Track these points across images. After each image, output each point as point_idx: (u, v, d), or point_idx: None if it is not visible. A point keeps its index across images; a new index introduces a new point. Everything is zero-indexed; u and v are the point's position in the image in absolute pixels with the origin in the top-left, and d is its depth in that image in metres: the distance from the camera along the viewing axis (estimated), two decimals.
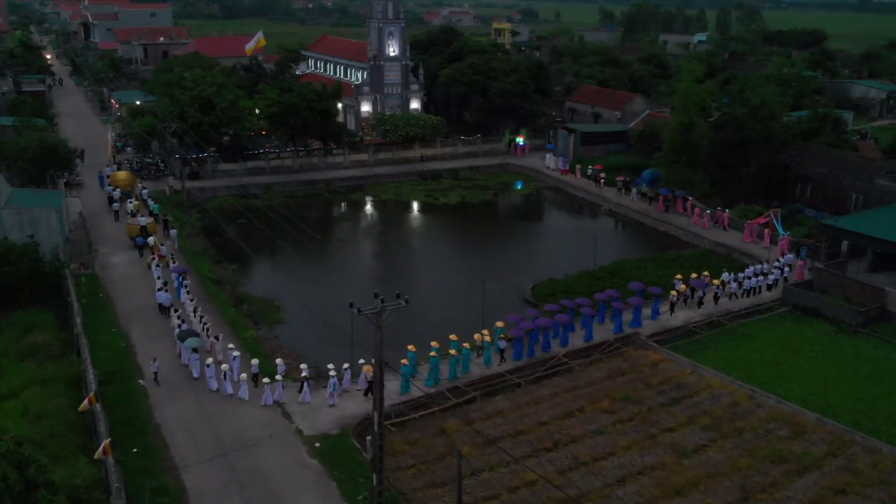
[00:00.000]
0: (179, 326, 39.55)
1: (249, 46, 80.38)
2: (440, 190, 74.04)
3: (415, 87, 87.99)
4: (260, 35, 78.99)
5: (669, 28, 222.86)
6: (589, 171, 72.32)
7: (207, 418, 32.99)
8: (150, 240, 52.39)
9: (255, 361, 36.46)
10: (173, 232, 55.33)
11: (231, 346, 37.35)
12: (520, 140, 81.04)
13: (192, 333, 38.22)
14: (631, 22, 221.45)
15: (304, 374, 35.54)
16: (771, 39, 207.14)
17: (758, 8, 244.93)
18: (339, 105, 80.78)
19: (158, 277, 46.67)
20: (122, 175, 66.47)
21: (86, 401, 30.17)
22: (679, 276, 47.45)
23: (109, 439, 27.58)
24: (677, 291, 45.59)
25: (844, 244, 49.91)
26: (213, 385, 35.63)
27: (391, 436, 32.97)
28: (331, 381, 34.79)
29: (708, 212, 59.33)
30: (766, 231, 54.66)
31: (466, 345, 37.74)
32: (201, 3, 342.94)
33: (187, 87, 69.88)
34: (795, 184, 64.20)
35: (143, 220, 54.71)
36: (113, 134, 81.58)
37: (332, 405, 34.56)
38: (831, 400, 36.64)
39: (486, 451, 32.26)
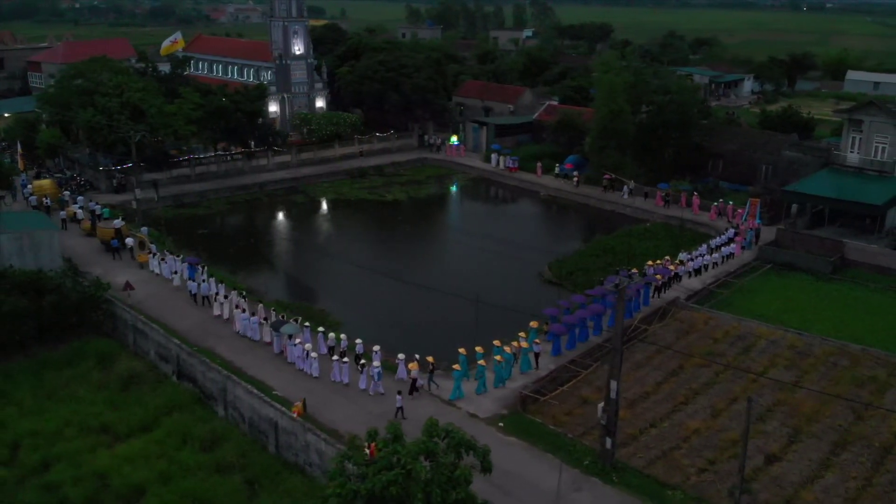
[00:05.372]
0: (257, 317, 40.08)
1: (165, 46, 75.51)
2: (377, 187, 74.94)
3: (319, 85, 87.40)
4: (177, 36, 74.41)
5: (473, 24, 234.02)
6: (557, 170, 74.37)
7: (378, 415, 32.93)
8: (129, 241, 51.70)
9: (359, 341, 37.85)
10: (144, 229, 54.58)
11: (359, 340, 37.91)
12: (454, 140, 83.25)
13: (283, 322, 38.59)
14: (439, 19, 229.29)
15: (363, 361, 36.17)
16: (564, 33, 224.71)
17: (549, 4, 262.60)
18: None
19: (175, 272, 47.25)
20: (47, 183, 63.08)
21: (296, 408, 29.46)
22: (650, 263, 50.00)
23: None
24: (662, 276, 49.83)
25: (794, 207, 58.40)
26: (301, 365, 36.67)
27: (551, 409, 35.25)
28: (374, 370, 35.02)
29: (714, 204, 62.16)
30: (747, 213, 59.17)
31: (507, 349, 37.56)
32: None
33: (110, 93, 64.95)
34: (707, 160, 72.80)
35: (118, 223, 53.21)
36: None
37: (381, 393, 34.82)
38: (855, 334, 43.67)
39: (636, 412, 35.50)
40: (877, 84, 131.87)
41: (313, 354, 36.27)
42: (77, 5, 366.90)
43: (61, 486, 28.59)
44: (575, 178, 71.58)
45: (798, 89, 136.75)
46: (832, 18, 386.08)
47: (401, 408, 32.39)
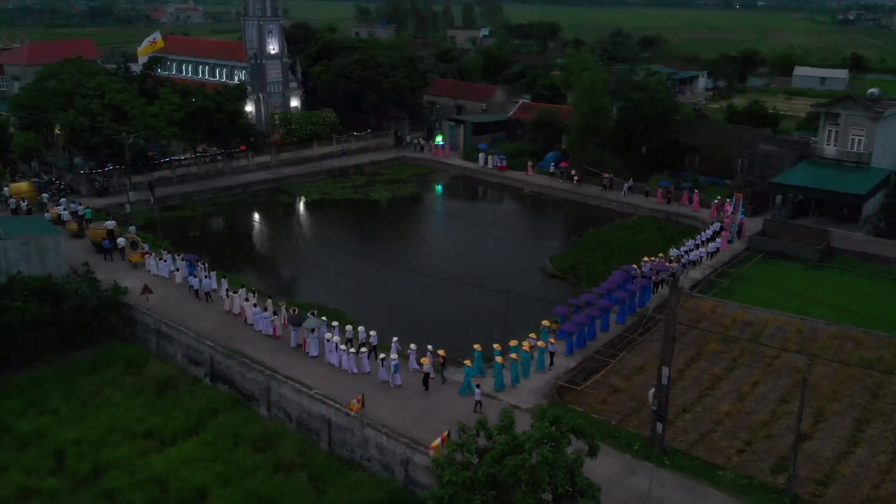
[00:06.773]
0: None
1: (142, 47, 73.85)
2: (360, 187, 74.91)
3: (294, 85, 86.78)
4: (156, 36, 72.72)
5: (424, 23, 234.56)
6: (552, 169, 74.66)
7: (422, 410, 33.21)
8: (121, 241, 51.31)
9: (373, 333, 38.23)
10: (132, 228, 54.48)
11: (373, 332, 38.32)
12: (439, 140, 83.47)
13: (302, 318, 38.61)
14: (390, 18, 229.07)
15: (382, 356, 36.24)
16: (513, 32, 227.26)
17: (497, 3, 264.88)
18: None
19: (177, 269, 47.43)
20: (25, 186, 61.99)
21: (356, 403, 29.58)
22: (646, 259, 50.12)
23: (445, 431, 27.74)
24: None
25: (778, 198, 60.56)
26: (331, 359, 36.74)
27: (587, 398, 36.13)
28: (393, 363, 35.22)
29: (714, 202, 62.23)
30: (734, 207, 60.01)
31: (525, 347, 37.71)
32: None
33: (90, 94, 63.49)
34: (684, 155, 74.82)
35: (110, 224, 52.94)
36: None
37: (398, 385, 35.05)
38: (854, 318, 45.76)
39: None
40: (823, 79, 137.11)
41: (342, 347, 36.35)
42: (10, 6, 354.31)
43: (118, 493, 28.21)
44: (575, 177, 71.99)
45: (749, 85, 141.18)
46: (766, 16, 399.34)
47: (479, 402, 32.67)
